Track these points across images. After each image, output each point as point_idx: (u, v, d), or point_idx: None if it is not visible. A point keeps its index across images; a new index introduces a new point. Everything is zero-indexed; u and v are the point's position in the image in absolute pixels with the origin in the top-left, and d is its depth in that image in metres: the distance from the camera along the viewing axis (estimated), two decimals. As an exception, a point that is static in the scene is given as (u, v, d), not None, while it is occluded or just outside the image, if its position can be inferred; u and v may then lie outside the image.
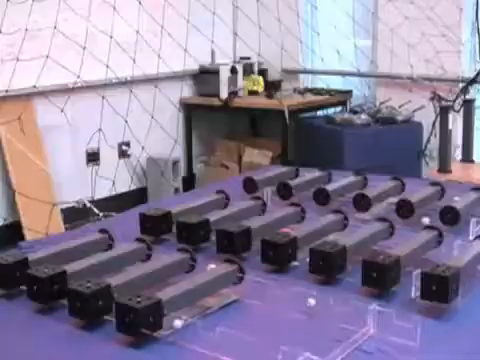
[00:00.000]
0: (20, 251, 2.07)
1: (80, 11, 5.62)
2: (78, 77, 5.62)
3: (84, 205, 5.52)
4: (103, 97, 5.78)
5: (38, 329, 1.72)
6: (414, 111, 6.33)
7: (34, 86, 5.43)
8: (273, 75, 7.39)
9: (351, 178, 2.87)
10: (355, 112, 6.51)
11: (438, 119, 5.81)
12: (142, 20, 6.06)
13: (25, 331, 1.71)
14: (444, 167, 5.44)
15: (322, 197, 2.64)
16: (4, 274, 1.87)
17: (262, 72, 7.34)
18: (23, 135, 5.53)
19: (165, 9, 6.17)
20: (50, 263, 1.84)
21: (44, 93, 5.56)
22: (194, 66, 6.85)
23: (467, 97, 5.90)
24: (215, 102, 6.82)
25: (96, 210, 5.40)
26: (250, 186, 2.82)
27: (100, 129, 5.71)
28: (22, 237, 5.46)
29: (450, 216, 2.38)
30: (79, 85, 5.75)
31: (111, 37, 5.78)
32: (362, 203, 2.54)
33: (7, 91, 5.29)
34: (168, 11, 6.20)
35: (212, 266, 1.90)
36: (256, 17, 6.72)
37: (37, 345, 1.64)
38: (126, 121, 5.95)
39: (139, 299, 1.59)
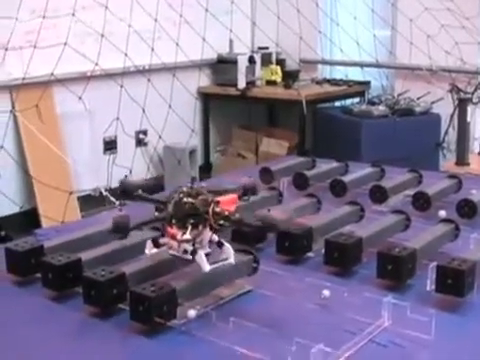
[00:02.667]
0: (35, 238, 2.07)
1: (98, -2, 5.64)
2: (96, 65, 5.63)
3: (100, 193, 5.53)
4: (121, 85, 5.79)
5: (52, 316, 1.72)
6: (432, 103, 6.31)
7: (52, 74, 5.44)
8: (291, 65, 7.38)
9: (368, 169, 2.86)
10: (373, 103, 6.50)
11: (456, 111, 5.78)
12: (160, 8, 6.06)
13: (39, 318, 1.72)
14: (462, 160, 5.41)
15: (338, 188, 2.63)
16: (19, 261, 1.87)
17: (280, 62, 7.34)
18: (41, 122, 5.56)
19: (184, -3, 6.17)
20: (65, 251, 1.85)
21: (62, 81, 5.57)
22: (212, 55, 6.86)
23: (486, 90, 5.88)
24: (233, 92, 6.82)
25: (112, 198, 5.41)
26: (266, 176, 2.81)
27: (118, 117, 5.72)
28: (38, 224, 5.49)
29: (467, 209, 2.36)
30: (97, 73, 5.76)
31: (129, 25, 5.78)
32: (378, 195, 2.53)
33: (24, 79, 5.30)
34: (187, -1, 6.20)
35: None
36: (275, 7, 6.70)
37: (51, 332, 1.64)
38: (143, 109, 5.96)
39: (153, 288, 1.59)
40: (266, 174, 2.81)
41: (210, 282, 1.73)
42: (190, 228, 1.63)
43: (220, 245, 1.72)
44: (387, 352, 1.53)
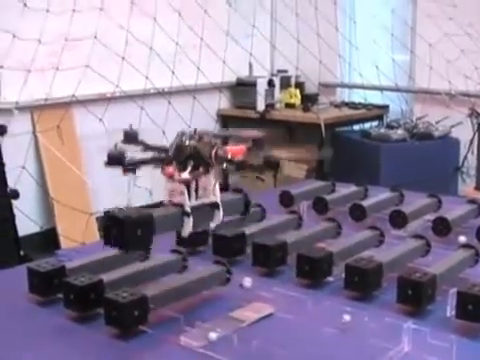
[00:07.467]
0: (57, 259, 2.09)
1: (120, 21, 5.68)
2: (117, 87, 5.67)
3: (120, 214, 5.55)
4: (141, 107, 5.82)
5: (74, 337, 1.73)
6: (451, 127, 6.30)
7: (73, 95, 5.49)
8: (310, 88, 7.40)
9: (387, 194, 2.86)
10: (392, 127, 6.50)
11: (476, 136, 5.77)
12: (181, 31, 6.11)
13: (61, 339, 1.73)
14: (481, 185, 5.40)
15: (358, 213, 2.64)
16: (41, 282, 1.89)
17: (299, 85, 7.36)
18: (61, 143, 5.60)
19: (204, 21, 6.21)
20: (87, 272, 1.86)
21: (83, 102, 5.62)
22: (232, 78, 6.89)
23: (505, 114, 5.87)
24: (252, 114, 6.85)
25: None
26: (286, 200, 2.82)
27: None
28: (58, 244, 5.52)
29: (487, 235, 2.36)
30: (118, 95, 5.80)
31: (151, 48, 5.83)
32: (398, 220, 2.53)
33: (47, 100, 5.36)
34: (207, 23, 6.24)
35: (248, 279, 1.92)
36: (294, 30, 6.74)
37: (72, 353, 1.65)
38: (163, 131, 5.99)
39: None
40: (286, 197, 2.83)
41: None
42: (190, 168, 1.59)
43: (216, 206, 1.69)
44: (407, 377, 1.54)
